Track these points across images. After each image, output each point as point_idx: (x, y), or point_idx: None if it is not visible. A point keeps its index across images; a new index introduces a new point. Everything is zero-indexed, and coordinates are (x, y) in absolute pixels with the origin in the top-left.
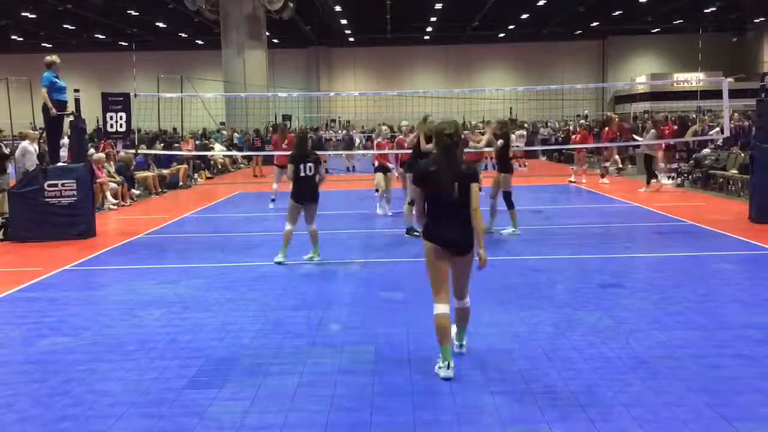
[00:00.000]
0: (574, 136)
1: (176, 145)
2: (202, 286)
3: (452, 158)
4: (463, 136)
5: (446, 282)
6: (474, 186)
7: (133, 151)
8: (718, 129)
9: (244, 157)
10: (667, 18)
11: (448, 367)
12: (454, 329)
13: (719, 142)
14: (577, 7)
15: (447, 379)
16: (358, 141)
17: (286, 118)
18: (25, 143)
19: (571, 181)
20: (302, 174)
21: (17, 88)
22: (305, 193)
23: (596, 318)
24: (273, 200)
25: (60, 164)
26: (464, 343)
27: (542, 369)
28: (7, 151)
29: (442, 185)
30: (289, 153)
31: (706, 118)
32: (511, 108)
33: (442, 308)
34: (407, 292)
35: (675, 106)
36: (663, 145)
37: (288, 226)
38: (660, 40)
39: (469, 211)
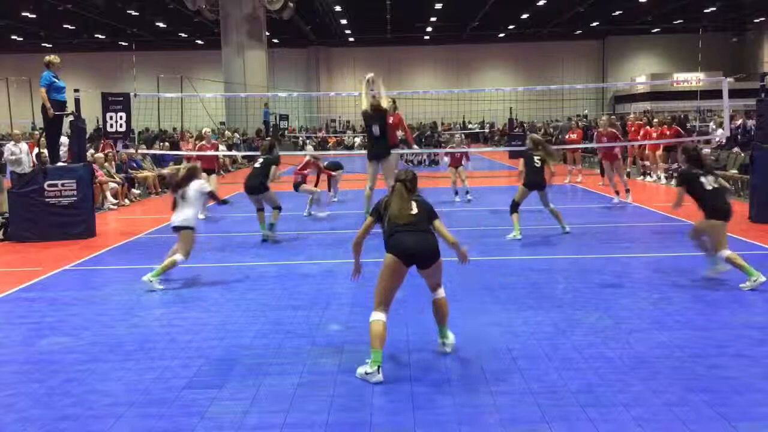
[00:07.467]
0: (571, 135)
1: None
2: (202, 286)
3: None
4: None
5: None
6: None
7: (132, 150)
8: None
9: (244, 157)
10: (667, 18)
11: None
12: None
13: (721, 141)
14: (577, 7)
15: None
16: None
17: (283, 118)
18: (9, 145)
19: (578, 182)
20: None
21: (17, 88)
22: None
23: (596, 318)
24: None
25: (60, 164)
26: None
27: (542, 369)
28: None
29: None
30: None
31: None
32: (511, 108)
33: None
34: (407, 292)
35: (675, 106)
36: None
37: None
38: (660, 40)
39: None
